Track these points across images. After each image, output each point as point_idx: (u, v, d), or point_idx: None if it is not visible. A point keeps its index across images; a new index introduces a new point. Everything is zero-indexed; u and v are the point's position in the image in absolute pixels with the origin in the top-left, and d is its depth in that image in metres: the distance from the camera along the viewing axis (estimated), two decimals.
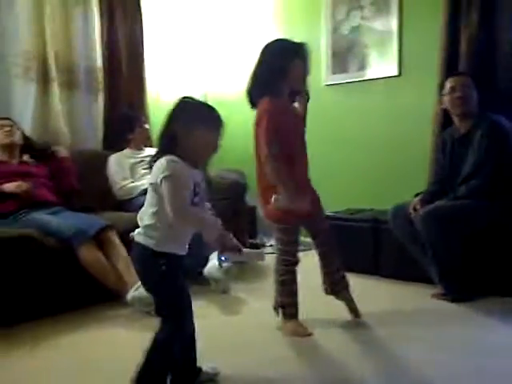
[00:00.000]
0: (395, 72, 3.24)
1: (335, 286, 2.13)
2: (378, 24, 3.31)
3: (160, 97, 3.88)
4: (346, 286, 2.13)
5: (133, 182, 2.99)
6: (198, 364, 1.52)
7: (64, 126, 3.12)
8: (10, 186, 2.42)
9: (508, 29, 2.67)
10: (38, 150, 2.76)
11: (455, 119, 2.57)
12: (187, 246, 1.40)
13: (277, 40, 2.03)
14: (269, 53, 1.96)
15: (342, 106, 3.56)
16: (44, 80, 3.03)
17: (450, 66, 2.81)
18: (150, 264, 1.33)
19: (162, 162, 1.30)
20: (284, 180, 1.87)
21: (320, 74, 3.58)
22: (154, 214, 1.32)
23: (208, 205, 1.51)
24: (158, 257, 1.31)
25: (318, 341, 1.89)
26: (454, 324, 2.05)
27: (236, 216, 3.10)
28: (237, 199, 3.13)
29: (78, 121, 3.26)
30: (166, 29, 3.92)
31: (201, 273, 2.58)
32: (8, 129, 2.60)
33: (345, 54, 3.50)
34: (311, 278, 2.17)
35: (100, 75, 3.30)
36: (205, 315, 2.16)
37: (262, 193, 2.00)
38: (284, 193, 1.85)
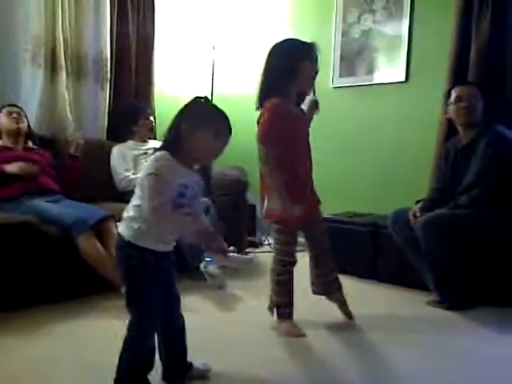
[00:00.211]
0: (402, 78, 3.24)
1: (328, 288, 2.14)
2: (388, 28, 3.31)
3: (167, 91, 3.89)
4: (338, 288, 2.14)
5: (134, 174, 2.99)
6: (190, 359, 1.52)
7: (69, 114, 3.12)
8: (12, 167, 2.43)
9: None
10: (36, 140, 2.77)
11: (459, 129, 2.57)
12: (172, 244, 1.40)
13: (286, 40, 2.01)
14: (278, 53, 1.95)
15: (348, 109, 3.56)
16: (52, 67, 3.04)
17: (458, 74, 2.81)
18: (125, 255, 1.33)
19: (152, 157, 1.31)
20: (277, 186, 1.88)
21: (328, 76, 3.58)
22: (138, 207, 1.32)
23: (208, 201, 1.51)
24: (133, 249, 1.32)
25: (312, 342, 1.89)
26: (447, 332, 2.05)
27: (236, 213, 3.11)
28: (237, 196, 3.13)
29: (84, 110, 3.26)
30: (177, 23, 3.93)
31: (197, 268, 2.59)
32: (16, 115, 2.61)
33: (354, 58, 3.49)
34: (306, 279, 2.18)
35: (108, 66, 3.30)
36: (199, 310, 2.17)
37: (262, 192, 2.00)
38: (276, 198, 1.86)
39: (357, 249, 2.86)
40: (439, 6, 3.08)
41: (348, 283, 2.23)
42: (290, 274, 2.01)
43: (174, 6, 3.91)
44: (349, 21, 3.51)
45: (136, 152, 3.11)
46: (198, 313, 2.14)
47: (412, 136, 3.22)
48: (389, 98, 3.35)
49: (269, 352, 1.78)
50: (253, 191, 3.17)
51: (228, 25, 4.06)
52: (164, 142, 1.36)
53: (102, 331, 1.88)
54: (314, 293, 2.18)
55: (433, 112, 2.94)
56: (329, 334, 1.98)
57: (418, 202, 2.60)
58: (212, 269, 2.53)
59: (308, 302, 2.22)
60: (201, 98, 1.38)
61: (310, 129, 2.13)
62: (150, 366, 1.40)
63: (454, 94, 2.54)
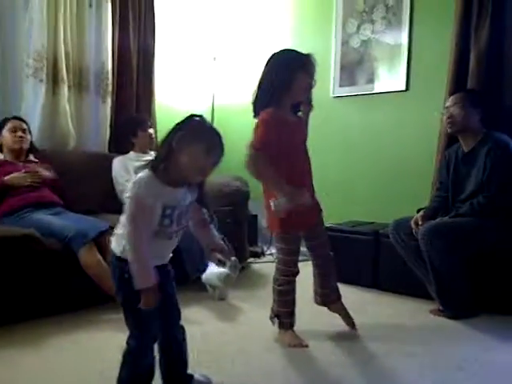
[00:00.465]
0: (403, 87, 3.25)
1: (327, 298, 2.14)
2: (388, 38, 3.33)
3: (168, 102, 3.92)
4: (338, 298, 2.14)
5: None
6: (191, 371, 1.51)
7: (71, 127, 3.15)
8: (14, 179, 2.46)
9: None
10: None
11: (459, 137, 2.57)
12: (166, 258, 1.40)
13: (283, 51, 2.01)
14: (274, 64, 1.96)
15: (349, 119, 3.57)
16: (54, 80, 3.06)
17: (458, 83, 2.81)
18: (116, 269, 1.34)
19: (134, 179, 1.29)
20: (274, 179, 1.87)
21: (328, 85, 3.59)
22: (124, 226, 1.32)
23: (204, 212, 1.49)
24: (122, 263, 1.32)
25: (314, 353, 1.88)
26: (451, 341, 2.04)
27: (237, 224, 3.11)
28: (239, 207, 3.14)
29: (85, 123, 3.29)
30: (178, 35, 3.96)
31: (198, 279, 2.58)
32: (21, 134, 2.63)
33: (354, 67, 3.51)
34: (308, 289, 2.17)
35: (109, 79, 3.33)
36: (200, 322, 2.17)
37: (266, 202, 2.01)
38: (280, 193, 1.84)
39: (358, 258, 2.85)
40: (438, 15, 3.09)
41: (350, 292, 2.23)
42: (292, 284, 2.00)
43: (175, 18, 3.95)
44: (348, 31, 3.53)
45: (137, 163, 3.11)
46: (199, 324, 2.13)
47: (413, 145, 3.22)
48: (389, 107, 3.35)
49: (271, 363, 1.77)
50: (254, 201, 3.18)
51: (229, 36, 4.09)
52: (155, 157, 1.34)
53: (103, 344, 1.88)
54: (316, 303, 2.18)
55: (433, 120, 2.95)
56: (331, 345, 1.97)
57: (419, 210, 2.59)
58: (213, 280, 2.52)
59: (310, 312, 2.21)
60: (196, 115, 1.36)
61: (308, 132, 2.12)
62: (150, 379, 1.39)
63: (445, 104, 2.57)
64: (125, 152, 3.19)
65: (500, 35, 2.72)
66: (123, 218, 1.31)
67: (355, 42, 3.51)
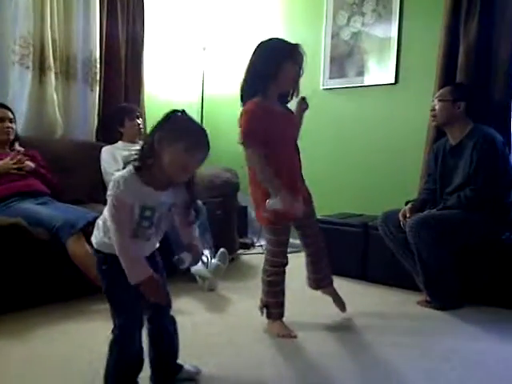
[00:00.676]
0: (392, 80, 3.26)
1: (320, 282, 2.17)
2: (378, 31, 3.33)
3: (157, 92, 3.88)
4: (331, 283, 2.18)
5: None
6: (181, 362, 1.52)
7: (58, 115, 3.10)
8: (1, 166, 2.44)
9: (506, 40, 2.69)
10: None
11: (446, 130, 2.60)
12: (148, 251, 1.38)
13: (271, 39, 1.99)
14: (261, 52, 1.94)
15: (338, 111, 3.57)
16: (41, 68, 3.01)
17: (447, 76, 2.82)
18: (97, 260, 1.35)
19: (115, 176, 1.27)
20: (270, 181, 1.87)
21: (318, 77, 3.59)
22: (105, 217, 1.31)
23: (199, 202, 1.48)
24: (101, 255, 1.34)
25: (303, 343, 1.89)
26: (438, 332, 2.06)
27: (227, 215, 3.11)
28: (228, 198, 3.13)
29: (73, 111, 3.24)
30: (167, 24, 3.92)
31: (188, 269, 2.58)
32: (8, 125, 2.60)
33: (344, 59, 3.51)
34: (297, 281, 2.18)
35: (97, 67, 3.28)
36: (190, 312, 2.16)
37: (253, 194, 2.00)
38: (276, 195, 1.85)
39: (347, 249, 2.87)
40: (428, 9, 3.10)
41: (338, 284, 2.24)
42: (281, 275, 2.01)
43: (164, 7, 3.90)
44: (339, 23, 3.52)
45: (125, 153, 3.09)
46: (189, 314, 2.13)
47: (402, 137, 3.24)
48: (379, 99, 3.36)
49: (260, 353, 1.78)
50: (243, 193, 3.18)
51: (218, 26, 4.06)
52: (138, 156, 1.29)
53: (92, 334, 1.86)
54: (310, 287, 2.20)
55: (422, 113, 2.96)
56: (320, 335, 1.98)
57: (407, 202, 2.61)
58: (203, 271, 2.52)
59: (299, 304, 2.22)
60: (178, 111, 1.30)
61: (301, 127, 2.12)
62: (139, 369, 1.39)
63: None
64: (113, 141, 3.16)
65: (489, 29, 2.73)
66: (106, 212, 1.30)
67: (345, 35, 3.50)
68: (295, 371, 1.65)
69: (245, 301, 2.37)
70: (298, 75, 1.96)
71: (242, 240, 3.45)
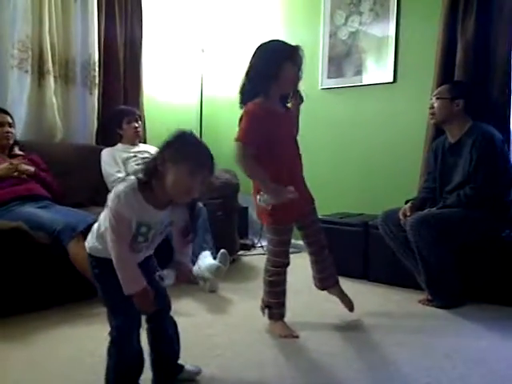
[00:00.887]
0: (390, 79, 3.27)
1: (325, 282, 2.16)
2: (375, 30, 3.34)
3: (156, 94, 3.89)
4: (336, 282, 2.17)
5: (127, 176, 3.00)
6: (182, 362, 1.52)
7: (58, 119, 3.11)
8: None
9: (504, 37, 2.69)
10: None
11: (444, 128, 2.60)
12: (142, 257, 1.38)
13: (271, 41, 2.00)
14: (261, 54, 1.94)
15: (337, 111, 3.58)
16: (39, 72, 3.02)
17: (445, 74, 2.83)
18: (89, 264, 1.37)
19: (117, 188, 1.26)
20: (261, 177, 1.87)
21: (316, 77, 3.60)
22: (99, 227, 1.33)
23: (199, 204, 1.48)
24: (93, 259, 1.35)
25: (305, 343, 1.89)
26: (440, 330, 2.07)
27: (228, 216, 3.11)
28: (229, 199, 3.13)
29: (72, 115, 3.25)
30: (165, 27, 3.92)
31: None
32: (7, 129, 2.60)
33: (342, 59, 3.51)
34: (298, 281, 2.18)
35: (96, 70, 3.29)
36: (191, 314, 2.17)
37: (255, 194, 2.01)
38: (265, 189, 1.86)
39: (348, 249, 2.87)
40: (425, 7, 3.11)
41: (340, 284, 2.24)
42: (283, 275, 2.01)
43: (162, 10, 3.91)
44: (336, 23, 3.53)
45: (125, 155, 3.10)
46: (190, 316, 2.13)
47: (401, 136, 3.25)
48: (377, 98, 3.37)
49: (261, 354, 1.78)
50: (244, 194, 3.18)
51: (217, 27, 4.07)
52: (142, 171, 1.28)
53: (93, 337, 1.86)
54: (316, 287, 2.20)
55: (421, 112, 2.96)
56: (322, 335, 1.98)
57: (407, 201, 2.61)
58: (204, 272, 2.52)
59: (300, 304, 2.22)
60: (186, 131, 1.30)
61: (299, 123, 2.12)
62: (139, 370, 1.39)
63: None
64: (112, 144, 3.17)
65: (486, 26, 2.74)
66: (103, 217, 1.31)
67: (343, 34, 3.51)
68: (297, 371, 1.65)
69: (246, 302, 2.37)
70: (298, 77, 1.96)
71: (242, 241, 3.45)
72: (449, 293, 2.36)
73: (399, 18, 3.22)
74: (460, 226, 2.36)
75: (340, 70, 3.53)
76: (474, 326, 2.11)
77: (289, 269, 2.02)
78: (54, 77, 3.08)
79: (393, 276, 2.71)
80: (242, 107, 1.96)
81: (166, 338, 1.46)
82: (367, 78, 3.39)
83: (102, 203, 2.82)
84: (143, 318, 1.40)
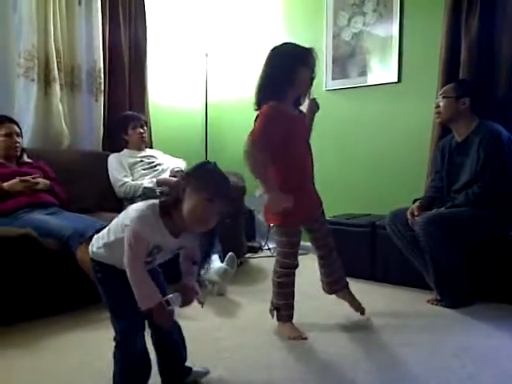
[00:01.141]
0: (395, 79, 3.26)
1: (334, 286, 2.16)
2: (379, 30, 3.34)
3: (161, 99, 3.91)
4: (345, 286, 2.17)
5: (133, 181, 3.02)
6: (190, 365, 1.52)
7: (65, 126, 3.13)
8: (14, 186, 2.45)
9: (508, 36, 2.68)
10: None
11: (451, 127, 2.59)
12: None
13: (284, 44, 2.02)
14: (276, 58, 1.96)
15: (342, 111, 3.57)
16: (45, 80, 3.04)
17: (450, 73, 2.82)
18: (92, 268, 1.39)
19: (139, 208, 1.28)
20: (263, 177, 1.89)
21: (321, 78, 3.59)
22: (109, 236, 1.34)
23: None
24: (96, 263, 1.37)
25: (313, 345, 1.89)
26: (449, 329, 2.06)
27: (234, 219, 3.11)
28: (235, 202, 3.14)
29: (79, 122, 3.27)
30: (169, 32, 3.94)
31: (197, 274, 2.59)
32: (15, 139, 2.62)
33: (346, 60, 3.51)
34: (306, 282, 2.18)
35: (101, 77, 3.31)
36: (199, 317, 2.17)
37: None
38: (267, 193, 1.88)
39: (355, 250, 2.87)
40: (428, 6, 3.10)
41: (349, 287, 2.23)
42: (291, 276, 2.01)
43: (166, 15, 3.93)
44: (339, 24, 3.53)
45: (131, 160, 3.12)
46: (199, 319, 2.13)
47: (406, 136, 3.24)
48: (382, 99, 3.36)
49: (270, 356, 1.78)
50: (250, 196, 3.19)
51: (220, 31, 4.08)
52: (167, 199, 1.31)
53: (102, 341, 1.85)
54: (324, 291, 2.20)
55: (426, 111, 2.96)
56: (330, 336, 1.98)
57: (415, 200, 2.61)
58: (211, 275, 2.52)
59: (309, 305, 2.22)
60: (209, 162, 1.33)
61: (312, 129, 2.15)
62: (146, 374, 1.40)
63: None
64: (119, 150, 3.19)
65: (490, 25, 2.73)
66: (114, 227, 1.33)
67: (347, 35, 3.51)
68: (307, 373, 1.65)
69: (254, 304, 2.37)
70: (312, 79, 1.99)
71: (249, 244, 3.46)
72: (458, 292, 2.35)
73: (403, 18, 3.22)
74: (469, 225, 2.35)
75: (344, 71, 3.53)
76: (483, 325, 2.10)
77: (297, 270, 2.02)
78: (60, 84, 3.11)
79: (400, 276, 2.70)
80: (257, 109, 1.98)
81: (171, 342, 1.47)
82: (372, 79, 3.39)
83: (109, 209, 2.88)
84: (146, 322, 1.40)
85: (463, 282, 2.36)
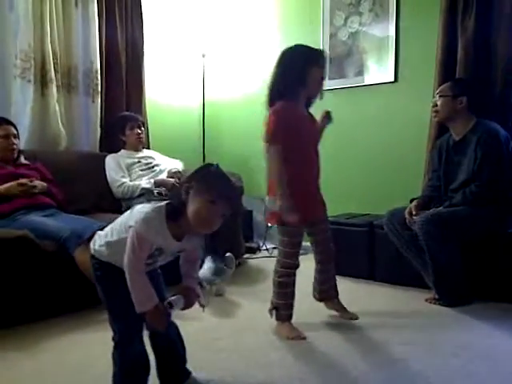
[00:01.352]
0: (391, 78, 3.27)
1: (325, 294, 2.18)
2: (375, 30, 3.34)
3: (158, 100, 3.90)
4: (335, 295, 2.19)
5: (131, 181, 3.02)
6: (190, 368, 1.51)
7: (62, 127, 3.12)
8: (11, 189, 2.44)
9: (504, 34, 2.69)
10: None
11: (448, 126, 2.59)
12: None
13: (296, 46, 2.05)
14: (288, 60, 2.00)
15: (339, 112, 3.51)
16: (42, 81, 3.03)
17: (446, 72, 2.82)
18: (92, 266, 1.38)
19: (145, 210, 1.27)
20: (282, 186, 1.90)
21: None
22: (112, 235, 1.33)
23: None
24: (96, 261, 1.36)
25: (312, 344, 1.89)
26: (448, 328, 2.06)
27: (232, 219, 3.10)
28: (238, 203, 3.13)
29: (76, 123, 3.26)
30: (166, 32, 3.94)
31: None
32: (12, 141, 2.61)
33: (342, 60, 3.52)
34: (304, 282, 2.18)
35: (98, 78, 3.30)
36: (198, 318, 2.16)
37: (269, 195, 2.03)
38: (279, 196, 1.88)
39: (354, 249, 2.87)
40: (424, 6, 3.11)
41: (346, 284, 2.25)
42: (292, 276, 2.02)
43: (163, 15, 3.93)
44: (336, 24, 3.54)
45: (129, 160, 3.12)
46: (197, 320, 2.12)
47: (404, 135, 3.24)
48: (379, 98, 3.37)
49: (269, 356, 1.78)
50: (248, 197, 3.18)
51: (217, 32, 4.08)
52: (172, 201, 1.32)
53: (102, 343, 1.83)
54: (314, 297, 2.22)
55: (423, 110, 2.97)
56: (329, 336, 1.98)
57: (412, 200, 2.61)
58: (210, 276, 2.52)
59: (308, 305, 2.22)
60: (212, 164, 1.32)
61: (321, 139, 2.19)
62: (145, 373, 1.38)
63: None
64: (116, 151, 3.18)
65: (486, 24, 2.73)
66: (117, 227, 1.32)
67: (343, 35, 3.51)
68: (305, 372, 1.64)
69: (253, 305, 2.37)
70: (323, 79, 2.04)
71: (247, 244, 3.46)
72: (456, 291, 2.36)
73: (399, 17, 3.23)
74: (467, 223, 2.36)
75: (341, 71, 3.53)
76: (481, 324, 2.10)
77: (298, 270, 2.02)
78: (57, 86, 3.10)
79: (399, 276, 2.70)
80: (268, 107, 2.01)
81: (169, 342, 1.46)
82: (369, 79, 3.40)
83: (106, 209, 2.86)
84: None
85: (462, 280, 2.36)
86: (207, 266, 2.55)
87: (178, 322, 1.48)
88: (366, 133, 3.43)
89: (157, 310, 1.25)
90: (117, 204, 2.97)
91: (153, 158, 3.23)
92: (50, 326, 2.08)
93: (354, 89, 3.47)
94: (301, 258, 2.06)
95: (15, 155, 2.66)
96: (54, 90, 3.06)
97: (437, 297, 2.39)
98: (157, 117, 3.79)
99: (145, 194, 2.91)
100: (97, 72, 3.29)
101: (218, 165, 1.33)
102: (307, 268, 2.17)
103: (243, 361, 1.73)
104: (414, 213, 2.49)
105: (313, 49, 2.02)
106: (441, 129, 2.77)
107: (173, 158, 3.34)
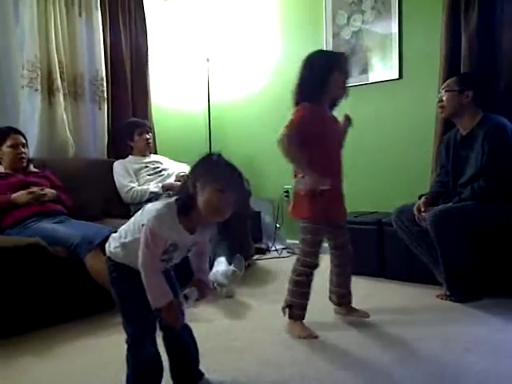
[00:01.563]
0: (396, 75, 3.26)
1: (342, 298, 2.18)
2: (378, 28, 3.34)
3: (164, 105, 3.93)
4: (350, 301, 2.19)
5: (139, 186, 3.04)
6: (203, 369, 1.52)
7: (69, 135, 3.16)
8: (21, 197, 2.47)
9: (508, 27, 2.67)
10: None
11: (454, 121, 2.58)
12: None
13: (318, 51, 2.12)
14: (311, 66, 2.04)
15: (344, 110, 3.55)
16: (49, 90, 3.07)
17: (451, 68, 2.81)
18: (107, 268, 1.39)
19: (156, 207, 1.29)
20: (298, 161, 1.95)
21: None
22: (126, 235, 1.35)
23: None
24: (111, 263, 1.38)
25: (323, 343, 1.89)
26: (460, 324, 2.05)
27: (240, 221, 3.12)
28: (247, 190, 3.14)
29: (83, 130, 3.30)
30: (170, 37, 3.97)
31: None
32: (22, 150, 2.64)
33: None
34: (316, 281, 2.17)
35: (104, 85, 3.34)
36: (209, 319, 2.17)
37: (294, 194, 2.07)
38: (304, 174, 1.93)
39: (363, 248, 2.86)
40: (427, 2, 3.10)
41: (357, 282, 2.24)
42: (310, 276, 2.02)
43: (167, 21, 3.96)
44: (339, 23, 3.54)
45: (136, 166, 3.15)
46: (209, 321, 2.14)
47: (410, 131, 3.24)
48: (384, 96, 3.36)
49: (281, 355, 1.78)
50: (256, 198, 3.19)
51: (221, 36, 4.10)
52: (180, 196, 1.32)
53: (115, 347, 1.86)
54: (331, 300, 2.22)
55: (429, 106, 2.96)
56: (341, 335, 1.98)
57: (420, 196, 2.60)
58: (220, 278, 2.53)
59: (318, 303, 2.21)
60: (213, 154, 1.34)
61: (343, 144, 2.22)
62: (158, 375, 1.39)
63: None
64: (124, 157, 3.21)
65: (490, 18, 2.72)
66: (131, 228, 1.34)
67: (346, 34, 3.51)
68: (318, 372, 1.64)
69: (263, 306, 2.38)
70: (346, 80, 2.08)
71: (257, 245, 3.46)
72: (467, 287, 2.34)
73: (401, 14, 3.23)
74: (477, 218, 2.34)
75: None
76: (493, 319, 2.09)
77: None
78: (64, 94, 3.14)
79: (409, 273, 2.69)
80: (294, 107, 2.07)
81: (182, 343, 1.47)
82: (373, 76, 3.39)
83: (115, 215, 2.88)
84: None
85: (473, 276, 2.35)
86: (217, 269, 2.56)
87: (190, 324, 1.49)
88: (373, 130, 3.42)
89: (172, 306, 1.26)
90: (125, 209, 2.99)
91: (160, 163, 3.25)
92: (62, 331, 2.09)
93: (359, 87, 3.46)
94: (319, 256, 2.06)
95: (25, 164, 2.69)
96: (61, 98, 3.10)
97: (448, 293, 2.38)
98: (163, 121, 3.81)
99: (153, 199, 2.93)
100: (102, 79, 3.33)
101: (219, 154, 1.34)
102: (320, 267, 2.16)
103: (256, 361, 1.73)
104: (422, 209, 2.48)
105: (334, 53, 2.10)
106: (447, 125, 2.76)
107: (180, 161, 3.35)
